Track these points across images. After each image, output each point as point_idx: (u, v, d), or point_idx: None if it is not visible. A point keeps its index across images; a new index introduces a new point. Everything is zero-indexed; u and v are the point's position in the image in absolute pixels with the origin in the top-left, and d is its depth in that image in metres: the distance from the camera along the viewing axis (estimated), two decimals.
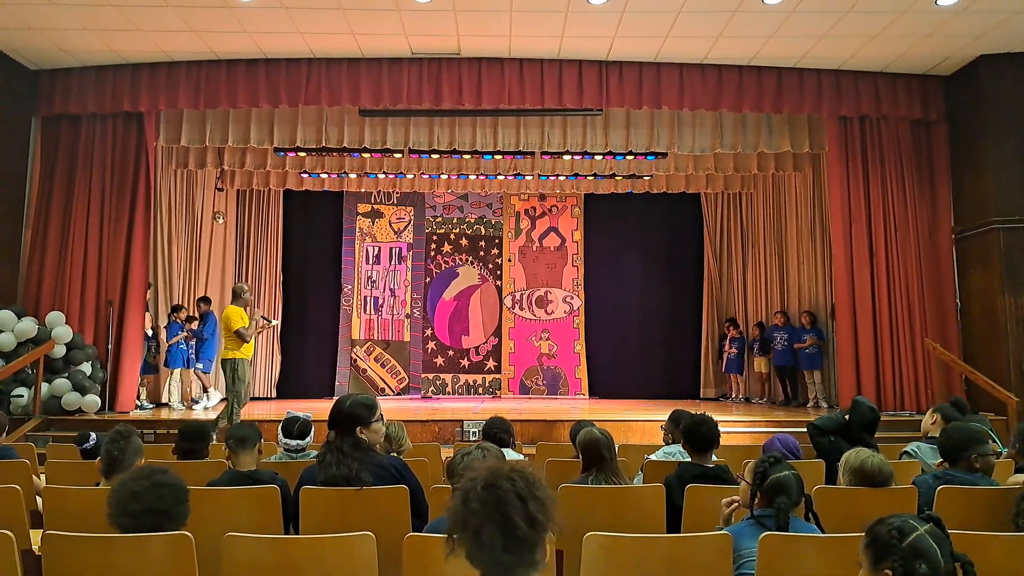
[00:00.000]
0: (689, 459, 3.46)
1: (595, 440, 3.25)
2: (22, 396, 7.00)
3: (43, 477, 3.88)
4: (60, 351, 7.25)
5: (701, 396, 10.93)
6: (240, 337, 6.15)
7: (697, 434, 3.35)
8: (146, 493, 2.19)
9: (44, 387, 7.08)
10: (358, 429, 2.85)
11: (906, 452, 3.92)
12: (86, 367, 7.42)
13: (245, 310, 6.31)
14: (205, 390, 8.94)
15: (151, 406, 8.32)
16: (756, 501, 2.45)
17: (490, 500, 1.35)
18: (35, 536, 2.94)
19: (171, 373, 8.74)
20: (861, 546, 1.70)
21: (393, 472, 2.88)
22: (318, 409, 7.78)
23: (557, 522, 1.41)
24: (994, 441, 4.28)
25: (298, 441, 3.76)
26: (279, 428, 3.87)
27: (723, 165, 9.42)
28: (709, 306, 11.18)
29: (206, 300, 9.07)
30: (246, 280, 10.84)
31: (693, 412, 4.11)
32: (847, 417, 3.90)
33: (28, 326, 7.09)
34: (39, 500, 3.48)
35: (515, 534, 1.34)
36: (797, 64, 7.79)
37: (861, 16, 6.72)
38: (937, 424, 4.01)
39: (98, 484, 3.06)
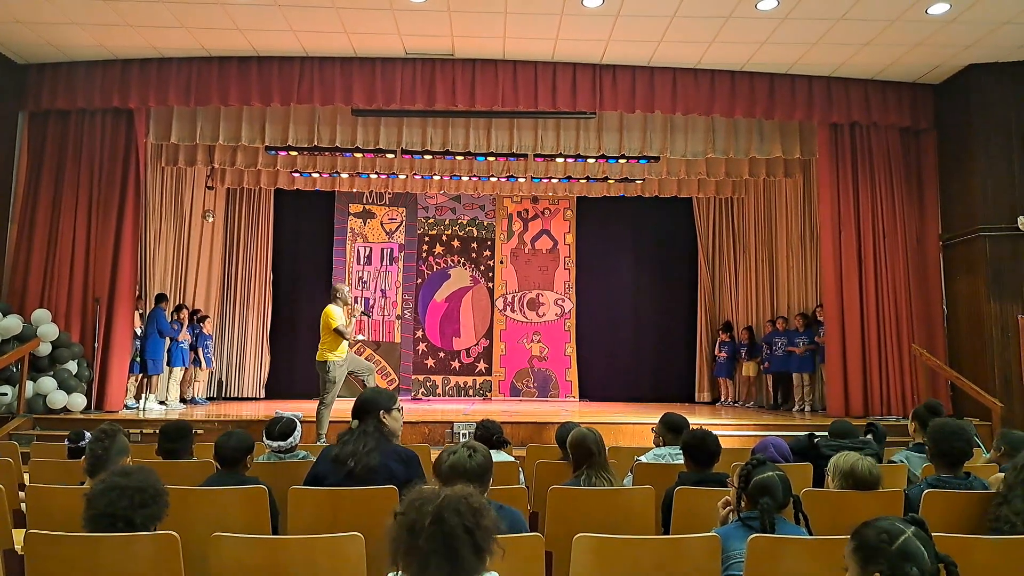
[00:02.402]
0: (680, 461, 3.47)
1: (582, 436, 3.31)
2: (6, 394, 6.92)
3: (27, 476, 3.83)
4: (46, 349, 7.17)
5: (696, 400, 10.96)
6: (339, 334, 6.30)
7: (700, 449, 3.24)
8: (96, 498, 2.16)
9: (29, 385, 7.00)
10: (380, 413, 3.01)
11: (892, 462, 3.93)
12: (72, 365, 7.35)
13: (344, 309, 6.45)
14: (139, 394, 8.38)
15: (135, 406, 8.25)
16: (743, 503, 2.46)
17: (438, 535, 1.39)
18: (18, 536, 2.90)
19: (170, 372, 8.73)
20: (848, 550, 1.70)
21: (404, 458, 2.97)
22: (308, 409, 7.76)
23: (500, 545, 1.47)
24: (978, 445, 4.32)
25: (279, 442, 3.73)
26: (264, 429, 3.85)
27: (715, 170, 9.47)
28: (702, 310, 11.22)
29: (159, 297, 8.81)
30: (235, 279, 10.81)
31: (681, 416, 4.13)
32: (811, 437, 3.91)
33: (13, 323, 7.02)
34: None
35: (461, 565, 1.39)
36: (789, 70, 7.84)
37: (852, 24, 6.78)
38: (917, 431, 4.04)
39: (82, 483, 3.03)
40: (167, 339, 8.58)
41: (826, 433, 4.06)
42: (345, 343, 6.40)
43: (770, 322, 9.92)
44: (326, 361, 6.34)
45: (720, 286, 11.20)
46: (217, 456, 3.17)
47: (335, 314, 6.34)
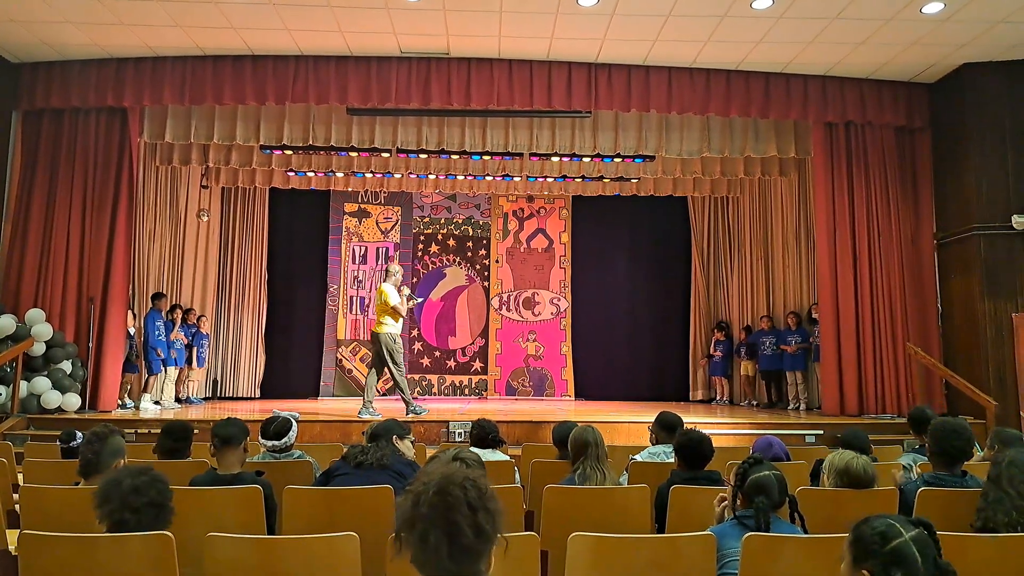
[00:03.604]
0: (673, 460, 3.48)
1: (580, 432, 3.39)
2: (0, 394, 6.89)
3: (21, 476, 3.82)
4: (40, 349, 7.14)
5: (690, 399, 10.98)
6: (395, 311, 7.14)
7: (694, 452, 3.24)
8: (147, 487, 2.21)
9: (23, 385, 6.97)
10: (394, 438, 3.45)
11: (904, 468, 3.93)
12: (66, 365, 7.32)
13: (398, 288, 7.27)
14: (144, 391, 8.38)
15: (131, 405, 8.21)
16: (738, 502, 2.46)
17: (440, 505, 1.37)
18: (12, 536, 2.89)
19: (165, 371, 8.69)
20: (846, 542, 1.70)
21: (412, 465, 3.28)
22: (303, 409, 7.74)
23: (504, 535, 1.43)
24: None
25: (273, 442, 3.72)
26: (260, 428, 3.84)
27: (710, 169, 9.48)
28: (696, 309, 11.23)
29: (156, 296, 8.78)
30: (230, 278, 10.78)
31: (676, 415, 4.14)
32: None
33: (7, 323, 6.99)
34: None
35: (460, 542, 1.35)
36: (784, 69, 7.85)
37: (847, 23, 6.79)
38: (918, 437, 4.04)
39: (77, 484, 3.02)
40: (163, 338, 8.49)
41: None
42: (399, 318, 7.22)
43: (762, 319, 9.95)
44: (384, 333, 7.09)
45: (715, 285, 11.22)
46: (216, 438, 3.15)
47: (389, 292, 7.15)
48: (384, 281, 7.36)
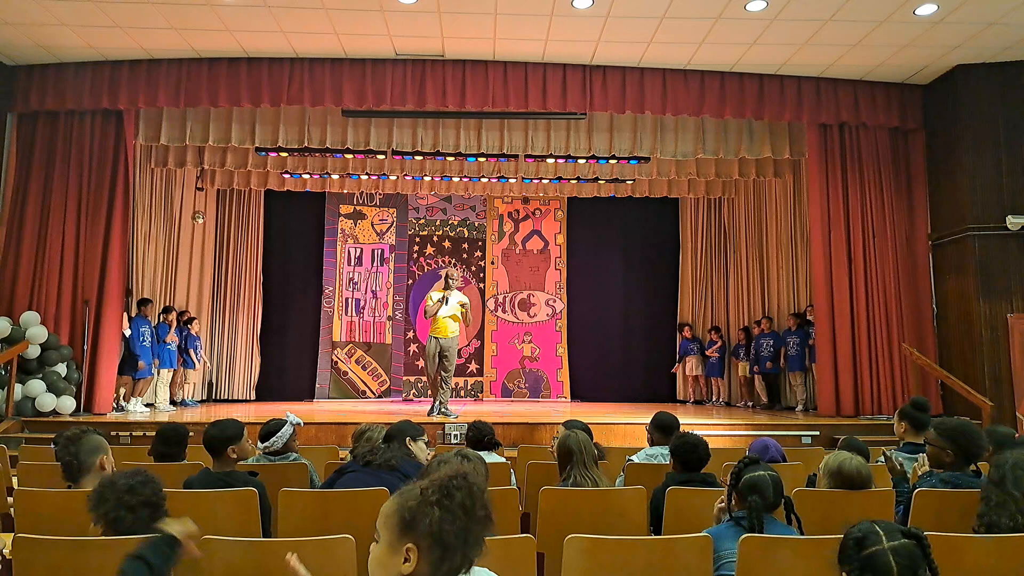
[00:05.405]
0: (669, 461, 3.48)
1: (564, 438, 3.38)
2: None
3: (15, 480, 3.79)
4: (34, 352, 7.12)
5: (679, 399, 11.01)
6: (424, 312, 7.48)
7: (691, 455, 3.25)
8: (142, 486, 2.19)
9: (17, 388, 6.94)
10: (407, 440, 3.47)
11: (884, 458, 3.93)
12: (61, 368, 7.29)
13: (447, 290, 7.44)
14: (131, 395, 8.26)
15: (125, 407, 8.18)
16: (734, 502, 2.46)
17: (471, 498, 1.39)
18: (6, 539, 2.87)
19: (158, 374, 8.65)
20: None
21: (420, 468, 3.25)
22: (298, 411, 7.73)
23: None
24: None
25: (262, 443, 3.71)
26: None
27: (705, 170, 9.50)
28: (692, 310, 11.24)
29: (141, 302, 8.67)
30: (225, 280, 10.76)
31: (671, 415, 4.14)
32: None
33: (1, 326, 6.96)
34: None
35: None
36: (778, 71, 7.88)
37: (841, 25, 6.82)
38: (907, 431, 4.04)
39: (70, 486, 2.99)
40: (146, 344, 8.35)
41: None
42: (448, 325, 7.38)
43: (756, 323, 9.96)
44: (429, 336, 7.45)
45: (710, 286, 11.23)
46: (206, 445, 3.15)
47: (429, 295, 7.47)
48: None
